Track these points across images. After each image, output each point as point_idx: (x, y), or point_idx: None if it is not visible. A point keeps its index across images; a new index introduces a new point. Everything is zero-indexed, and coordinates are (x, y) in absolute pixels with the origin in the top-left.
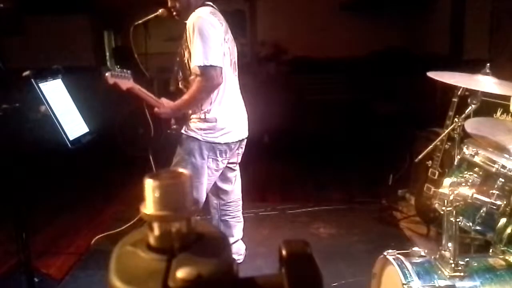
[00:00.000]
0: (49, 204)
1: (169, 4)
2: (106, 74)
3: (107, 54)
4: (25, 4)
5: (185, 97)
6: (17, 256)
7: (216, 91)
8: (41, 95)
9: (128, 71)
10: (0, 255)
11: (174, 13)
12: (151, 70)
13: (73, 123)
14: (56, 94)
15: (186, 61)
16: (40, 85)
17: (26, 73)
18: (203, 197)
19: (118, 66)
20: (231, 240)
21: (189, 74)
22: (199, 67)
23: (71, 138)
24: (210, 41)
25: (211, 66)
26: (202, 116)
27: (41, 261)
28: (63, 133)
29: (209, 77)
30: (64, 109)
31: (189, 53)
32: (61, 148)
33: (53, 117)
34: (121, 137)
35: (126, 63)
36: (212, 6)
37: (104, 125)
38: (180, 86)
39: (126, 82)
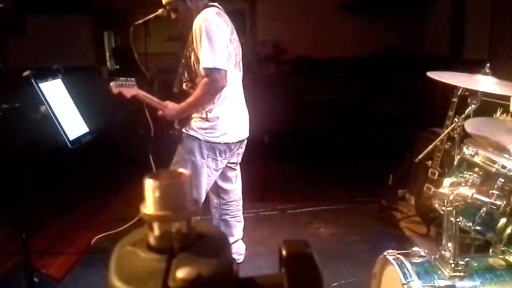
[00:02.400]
0: (49, 204)
1: (172, 16)
2: (111, 84)
3: (107, 54)
4: (25, 4)
5: (190, 99)
6: (17, 256)
7: None
8: (41, 95)
9: (132, 79)
10: (0, 255)
11: (180, 23)
12: (151, 70)
13: (73, 123)
14: (56, 94)
15: (192, 63)
16: (40, 85)
17: (26, 73)
18: (202, 197)
19: (117, 66)
20: (231, 239)
21: (195, 76)
22: (204, 69)
23: (71, 138)
24: (216, 43)
25: (215, 68)
26: (204, 116)
27: (41, 261)
28: (63, 133)
29: (214, 79)
30: (64, 109)
31: (195, 55)
32: (61, 148)
33: (53, 117)
34: (121, 137)
35: (126, 63)
36: (217, 7)
37: (104, 125)
38: (185, 87)
39: (131, 90)
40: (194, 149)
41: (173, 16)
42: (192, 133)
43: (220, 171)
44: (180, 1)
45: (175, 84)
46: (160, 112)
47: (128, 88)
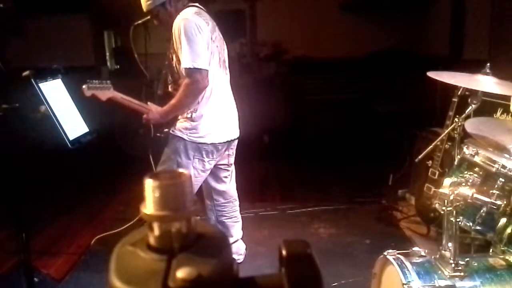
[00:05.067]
0: (49, 204)
1: (155, 23)
2: (83, 86)
3: (107, 54)
4: (25, 4)
5: (173, 101)
6: (17, 256)
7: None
8: (41, 95)
9: (108, 81)
10: (0, 255)
11: (162, 27)
12: (151, 70)
13: (73, 123)
14: (56, 94)
15: (174, 64)
16: (40, 85)
17: (26, 73)
18: None
19: (118, 66)
20: (231, 240)
21: (178, 77)
22: (185, 69)
23: (71, 138)
24: (195, 43)
25: (195, 68)
26: (189, 116)
27: (41, 261)
28: (63, 133)
29: (195, 80)
30: (64, 109)
31: (177, 56)
32: (61, 148)
33: (53, 117)
34: (121, 137)
35: (126, 63)
36: (197, 6)
37: (104, 125)
38: (170, 89)
39: (106, 93)
40: (179, 150)
41: (155, 22)
42: (177, 133)
43: (208, 172)
44: (160, 7)
45: (159, 86)
46: (144, 116)
47: (103, 91)
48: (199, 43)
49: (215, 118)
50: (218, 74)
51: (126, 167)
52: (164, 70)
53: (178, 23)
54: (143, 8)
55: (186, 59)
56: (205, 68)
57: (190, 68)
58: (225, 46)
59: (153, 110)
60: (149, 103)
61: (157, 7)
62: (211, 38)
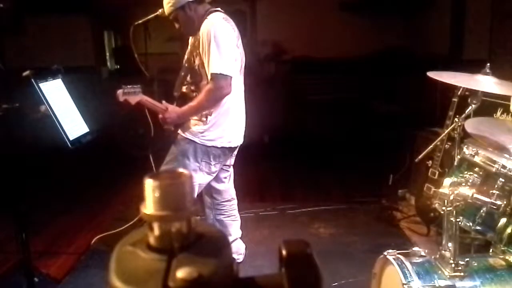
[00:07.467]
0: (49, 204)
1: (176, 26)
2: (118, 92)
3: (107, 54)
4: (25, 4)
5: (193, 104)
6: (17, 256)
7: None
8: (41, 95)
9: (138, 86)
10: (0, 255)
11: (184, 32)
12: (151, 70)
13: (73, 123)
14: (56, 94)
15: (197, 67)
16: (40, 85)
17: (26, 73)
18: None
19: (118, 66)
20: (230, 239)
21: (199, 79)
22: (212, 74)
23: (71, 138)
24: (224, 49)
25: (222, 75)
26: (204, 119)
27: (41, 261)
28: (63, 133)
29: (219, 86)
30: (64, 109)
31: (200, 59)
32: (61, 148)
33: (53, 117)
34: (121, 137)
35: (126, 63)
36: (221, 11)
37: (104, 125)
38: (185, 90)
39: (135, 97)
40: (188, 152)
41: (176, 26)
42: (189, 136)
43: (214, 175)
44: (180, 10)
45: (175, 87)
46: (160, 116)
47: (133, 96)
48: (227, 50)
49: (227, 123)
50: (236, 81)
51: (126, 167)
52: (182, 72)
53: (208, 28)
54: (164, 10)
55: (214, 64)
56: (230, 74)
57: (216, 74)
58: (244, 53)
59: (169, 109)
60: (163, 102)
61: (176, 10)
62: (236, 45)
